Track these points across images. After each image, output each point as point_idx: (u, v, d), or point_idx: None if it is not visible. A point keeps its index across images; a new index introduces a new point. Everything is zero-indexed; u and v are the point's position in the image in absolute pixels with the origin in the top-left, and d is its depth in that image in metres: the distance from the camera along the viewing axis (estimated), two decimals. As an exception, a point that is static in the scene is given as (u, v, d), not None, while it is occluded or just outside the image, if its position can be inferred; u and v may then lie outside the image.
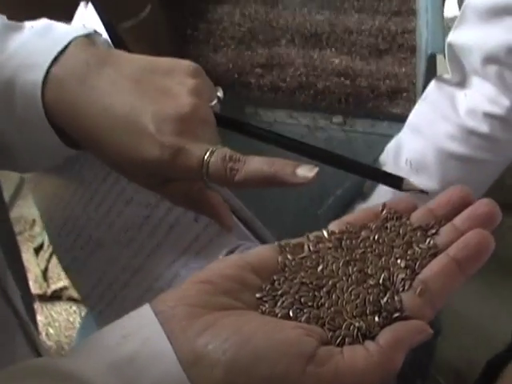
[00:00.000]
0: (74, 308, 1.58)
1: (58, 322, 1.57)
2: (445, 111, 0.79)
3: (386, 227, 0.40)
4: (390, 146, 0.84)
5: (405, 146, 0.81)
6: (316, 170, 0.43)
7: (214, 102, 0.50)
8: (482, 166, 0.79)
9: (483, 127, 0.76)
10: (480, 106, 0.76)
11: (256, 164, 0.44)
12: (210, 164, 0.45)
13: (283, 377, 0.32)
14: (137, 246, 0.62)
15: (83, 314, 1.42)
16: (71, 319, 1.57)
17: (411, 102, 0.95)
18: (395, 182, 0.47)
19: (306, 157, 0.49)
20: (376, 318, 0.35)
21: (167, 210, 0.58)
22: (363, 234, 0.40)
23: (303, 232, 0.41)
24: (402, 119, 0.85)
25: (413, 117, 0.83)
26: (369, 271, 0.37)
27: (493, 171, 0.81)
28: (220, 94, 0.51)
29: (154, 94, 0.47)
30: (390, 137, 0.85)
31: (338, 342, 0.35)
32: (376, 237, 0.39)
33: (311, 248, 0.39)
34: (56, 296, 1.61)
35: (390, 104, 0.98)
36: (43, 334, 1.54)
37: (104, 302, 0.68)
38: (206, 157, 0.45)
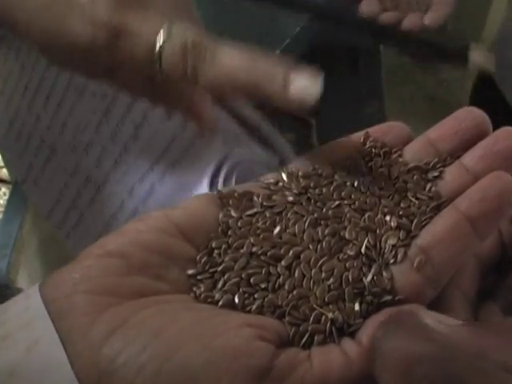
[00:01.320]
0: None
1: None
2: None
3: (370, 167, 0.29)
4: None
5: None
6: (320, 79, 0.29)
7: None
8: None
9: None
10: None
11: (230, 62, 0.30)
12: (164, 54, 0.30)
13: None
14: (98, 152, 0.47)
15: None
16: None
17: None
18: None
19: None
20: (356, 306, 0.25)
21: (129, 104, 0.42)
22: (337, 177, 0.28)
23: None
24: None
25: None
26: (346, 235, 0.27)
27: None
28: None
29: None
30: None
31: (303, 341, 0.24)
32: (356, 183, 0.28)
33: (264, 201, 0.28)
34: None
35: None
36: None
37: (70, 222, 0.54)
38: (158, 42, 0.30)
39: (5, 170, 1.01)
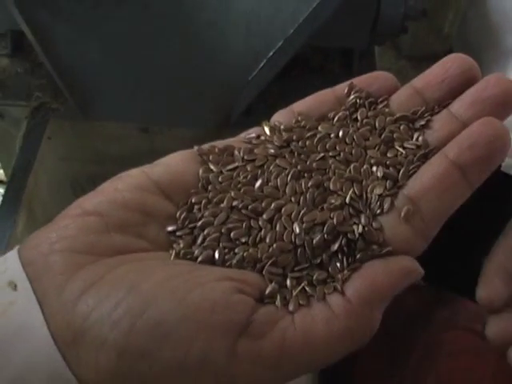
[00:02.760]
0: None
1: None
2: None
3: (355, 118, 0.29)
4: None
5: None
6: None
7: None
8: None
9: None
10: None
11: None
12: None
13: (203, 360, 0.21)
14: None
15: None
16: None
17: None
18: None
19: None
20: (343, 258, 0.25)
21: None
22: (321, 129, 0.28)
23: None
24: None
25: None
26: (330, 186, 0.26)
27: None
28: None
29: None
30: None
31: (285, 297, 0.24)
32: (340, 133, 0.28)
33: (245, 155, 0.27)
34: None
35: None
36: None
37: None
38: None
39: (1, 171, 1.01)
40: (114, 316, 0.22)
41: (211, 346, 0.21)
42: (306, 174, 0.26)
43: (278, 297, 0.24)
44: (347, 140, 0.28)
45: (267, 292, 0.24)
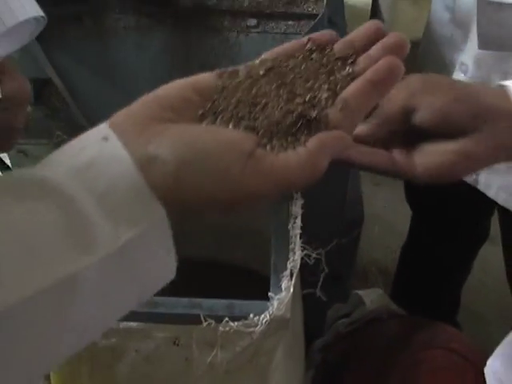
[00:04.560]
0: None
1: None
2: None
3: (312, 58, 0.44)
4: None
5: None
6: None
7: None
8: None
9: None
10: None
11: None
12: None
13: (227, 170, 0.35)
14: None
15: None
16: None
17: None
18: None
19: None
20: (305, 130, 0.40)
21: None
22: (291, 63, 0.44)
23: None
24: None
25: None
26: (297, 92, 0.41)
27: None
28: None
29: None
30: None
31: (271, 147, 0.38)
32: (303, 66, 0.43)
33: (245, 74, 0.43)
34: None
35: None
36: None
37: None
38: None
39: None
40: (174, 146, 0.35)
41: (232, 162, 0.35)
42: (282, 86, 0.42)
43: (268, 146, 0.39)
44: (308, 70, 0.43)
45: (262, 142, 0.38)
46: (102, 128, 0.36)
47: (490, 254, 1.16)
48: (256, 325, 0.67)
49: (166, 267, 0.36)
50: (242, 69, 0.43)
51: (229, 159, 0.35)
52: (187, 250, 1.12)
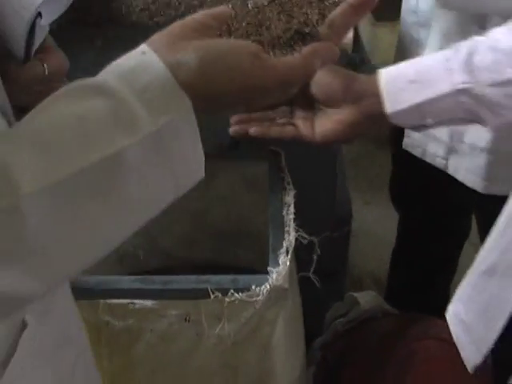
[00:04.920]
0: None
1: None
2: None
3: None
4: None
5: None
6: None
7: None
8: None
9: None
10: None
11: None
12: None
13: (239, 66, 0.46)
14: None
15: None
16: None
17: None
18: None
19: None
20: (300, 43, 0.55)
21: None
22: None
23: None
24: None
25: None
26: (294, 16, 0.56)
27: None
28: None
29: None
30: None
31: (274, 55, 0.54)
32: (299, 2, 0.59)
33: (253, 4, 0.58)
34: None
35: None
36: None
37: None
38: None
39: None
40: (198, 50, 0.45)
41: (243, 61, 0.46)
42: (282, 12, 0.55)
43: (271, 53, 0.52)
44: (302, 2, 0.58)
45: (266, 51, 0.53)
46: (141, 46, 0.45)
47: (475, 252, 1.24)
48: (258, 295, 0.75)
49: (195, 161, 0.45)
50: (250, 1, 0.58)
51: (239, 57, 0.46)
52: (190, 254, 1.20)
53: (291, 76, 0.48)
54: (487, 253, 0.70)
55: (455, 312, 0.76)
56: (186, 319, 0.80)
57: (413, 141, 1.00)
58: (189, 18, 0.48)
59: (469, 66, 0.58)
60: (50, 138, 0.39)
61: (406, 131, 1.00)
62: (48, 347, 0.55)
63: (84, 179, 0.38)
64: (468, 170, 0.94)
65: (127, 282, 0.80)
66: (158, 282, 0.78)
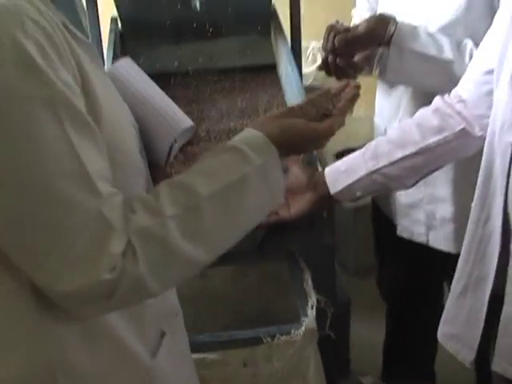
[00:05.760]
0: None
1: None
2: None
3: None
4: None
5: None
6: None
7: None
8: None
9: None
10: None
11: None
12: None
13: (296, 127, 0.78)
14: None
15: None
16: None
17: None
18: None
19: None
20: (325, 117, 0.83)
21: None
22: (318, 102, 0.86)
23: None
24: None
25: None
26: (322, 107, 0.84)
27: None
28: None
29: None
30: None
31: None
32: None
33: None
34: None
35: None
36: None
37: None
38: None
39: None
40: (278, 127, 0.77)
41: (299, 123, 0.80)
42: (316, 106, 0.86)
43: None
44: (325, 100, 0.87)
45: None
46: (247, 129, 0.77)
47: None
48: (297, 335, 1.06)
49: (279, 189, 0.76)
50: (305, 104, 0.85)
51: (297, 124, 0.79)
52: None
53: (322, 132, 0.79)
54: (458, 280, 1.01)
55: (444, 332, 1.05)
56: (244, 364, 1.08)
57: (402, 227, 1.38)
58: (280, 112, 0.82)
59: (374, 155, 1.06)
60: (210, 169, 0.72)
61: (398, 223, 1.39)
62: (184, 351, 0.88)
63: (230, 189, 0.71)
64: (444, 237, 1.31)
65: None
66: (223, 335, 1.08)
